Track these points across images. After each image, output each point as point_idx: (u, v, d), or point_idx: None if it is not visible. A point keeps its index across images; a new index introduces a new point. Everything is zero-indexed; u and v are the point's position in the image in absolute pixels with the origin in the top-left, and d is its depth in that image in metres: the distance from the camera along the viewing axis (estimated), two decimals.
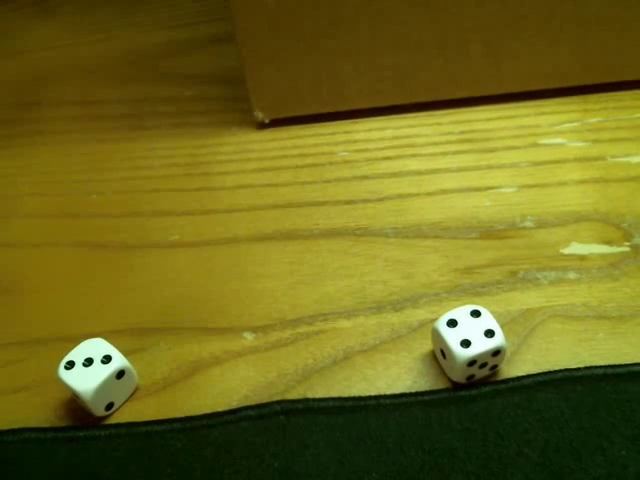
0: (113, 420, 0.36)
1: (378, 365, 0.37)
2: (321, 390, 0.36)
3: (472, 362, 0.33)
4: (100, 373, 0.34)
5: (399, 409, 0.35)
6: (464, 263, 0.41)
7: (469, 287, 0.39)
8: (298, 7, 0.44)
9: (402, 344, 0.38)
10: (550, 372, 0.35)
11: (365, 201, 0.45)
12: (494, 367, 0.35)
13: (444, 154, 0.46)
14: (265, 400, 0.36)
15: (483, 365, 0.34)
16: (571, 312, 0.38)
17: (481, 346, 0.33)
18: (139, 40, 0.59)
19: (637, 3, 0.44)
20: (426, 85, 0.48)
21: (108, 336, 0.37)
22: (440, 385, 0.36)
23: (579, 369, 0.35)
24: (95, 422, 0.36)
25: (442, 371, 0.36)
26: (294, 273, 0.42)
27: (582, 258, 0.40)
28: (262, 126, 0.50)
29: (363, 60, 0.47)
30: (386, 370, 0.37)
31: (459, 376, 0.35)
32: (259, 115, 0.49)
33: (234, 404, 0.36)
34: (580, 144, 0.46)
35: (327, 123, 0.49)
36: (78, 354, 0.35)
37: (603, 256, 0.40)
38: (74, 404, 0.36)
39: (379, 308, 0.39)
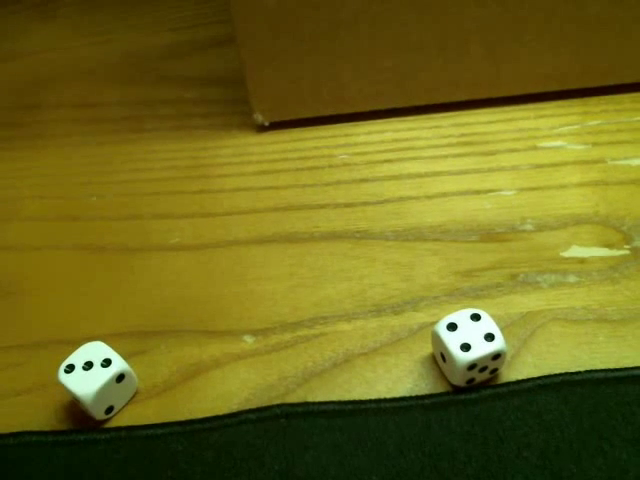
0: (113, 423, 0.36)
1: (378, 368, 0.37)
2: (321, 393, 0.36)
3: (472, 366, 0.33)
4: (100, 377, 0.35)
5: (399, 412, 0.35)
6: (464, 266, 0.41)
7: (469, 290, 0.39)
8: (298, 9, 0.44)
9: (402, 347, 0.38)
10: (550, 375, 0.35)
11: (365, 204, 0.45)
12: (494, 370, 0.35)
13: (444, 157, 0.46)
14: (265, 403, 0.36)
15: (483, 369, 0.34)
16: (571, 315, 0.38)
17: (481, 350, 0.33)
18: (139, 42, 0.59)
19: (636, 5, 0.44)
20: (426, 87, 0.48)
21: (108, 339, 0.37)
22: (440, 388, 0.36)
23: (579, 372, 0.35)
24: (95, 425, 0.36)
25: (442, 374, 0.36)
26: (294, 276, 0.42)
27: (582, 261, 0.40)
28: (262, 129, 0.50)
29: (363, 62, 0.47)
30: (386, 373, 0.37)
31: (459, 380, 0.35)
32: (259, 118, 0.49)
33: (234, 407, 0.36)
34: (580, 147, 0.46)
35: (327, 126, 0.49)
36: (78, 357, 0.35)
37: (603, 259, 0.40)
38: (75, 407, 0.36)
39: (379, 311, 0.39)
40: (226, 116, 0.52)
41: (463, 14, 0.45)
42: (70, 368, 0.35)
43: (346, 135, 0.49)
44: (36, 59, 0.60)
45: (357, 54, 0.46)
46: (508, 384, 0.35)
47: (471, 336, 0.34)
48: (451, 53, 0.46)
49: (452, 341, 0.34)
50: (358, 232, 0.43)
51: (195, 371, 0.38)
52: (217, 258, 0.43)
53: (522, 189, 0.44)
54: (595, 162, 0.45)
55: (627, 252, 0.40)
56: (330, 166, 0.47)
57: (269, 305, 0.40)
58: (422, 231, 0.43)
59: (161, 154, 0.50)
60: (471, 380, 0.35)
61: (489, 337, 0.34)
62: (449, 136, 0.48)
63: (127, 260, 0.44)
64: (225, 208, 0.46)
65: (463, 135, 0.48)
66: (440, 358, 0.36)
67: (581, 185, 0.43)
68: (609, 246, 0.40)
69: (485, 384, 0.35)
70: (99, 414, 0.35)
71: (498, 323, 0.35)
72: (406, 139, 0.48)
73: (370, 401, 0.35)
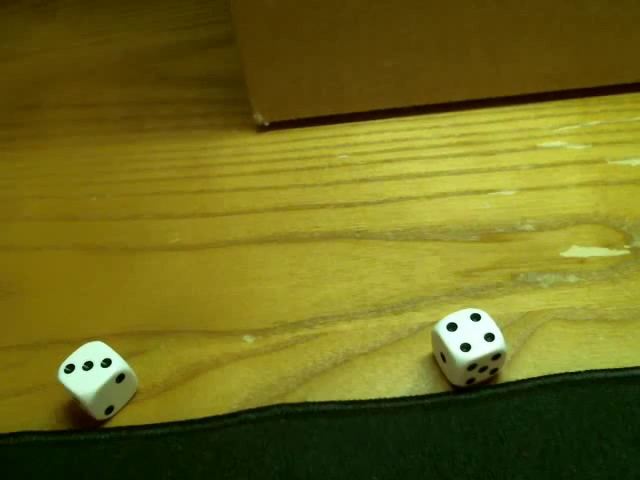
0: (113, 423, 0.36)
1: (378, 368, 0.37)
2: (321, 393, 0.36)
3: (472, 366, 0.34)
4: (100, 377, 0.35)
5: (399, 412, 0.35)
6: (464, 266, 0.41)
7: (469, 290, 0.39)
8: (298, 9, 0.44)
9: (402, 347, 0.38)
10: (550, 375, 0.35)
11: (365, 204, 0.45)
12: (494, 370, 0.35)
13: (444, 157, 0.46)
14: (265, 403, 0.36)
15: (483, 369, 0.34)
16: (571, 315, 0.38)
17: (481, 350, 0.33)
18: (139, 42, 0.59)
19: (636, 5, 0.44)
20: (426, 87, 0.48)
21: (108, 339, 0.37)
22: (440, 388, 0.36)
23: (579, 372, 0.35)
24: (95, 425, 0.36)
25: (442, 374, 0.36)
26: (294, 276, 0.42)
27: (582, 261, 0.40)
28: (262, 129, 0.50)
29: (363, 62, 0.47)
30: (386, 373, 0.37)
31: (459, 380, 0.35)
32: (259, 118, 0.49)
33: (234, 407, 0.36)
34: (580, 147, 0.46)
35: (327, 126, 0.49)
36: (78, 357, 0.35)
37: (603, 259, 0.40)
38: (75, 407, 0.36)
39: (379, 311, 0.39)
40: (226, 116, 0.52)
41: (463, 14, 0.45)
42: (70, 368, 0.35)
43: (346, 135, 0.49)
44: (36, 59, 0.60)
45: (357, 54, 0.46)
46: (508, 384, 0.35)
47: (471, 336, 0.34)
48: (451, 53, 0.46)
49: (452, 341, 0.34)
50: (358, 232, 0.43)
51: (195, 371, 0.38)
52: (217, 258, 0.43)
53: (522, 189, 0.44)
54: (595, 162, 0.45)
55: (627, 252, 0.40)
56: (330, 166, 0.47)
57: (269, 305, 0.40)
58: (422, 231, 0.43)
59: (161, 154, 0.50)
60: (471, 380, 0.35)
61: (489, 337, 0.34)
62: (449, 136, 0.48)
63: (127, 260, 0.44)
64: (225, 208, 0.46)
65: (463, 135, 0.48)
66: (440, 358, 0.36)
67: (581, 185, 0.44)
68: (609, 246, 0.40)
69: (485, 384, 0.35)
70: (99, 414, 0.35)
71: (498, 323, 0.35)
72: (406, 139, 0.48)
73: (370, 401, 0.35)
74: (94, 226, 0.46)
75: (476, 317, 0.34)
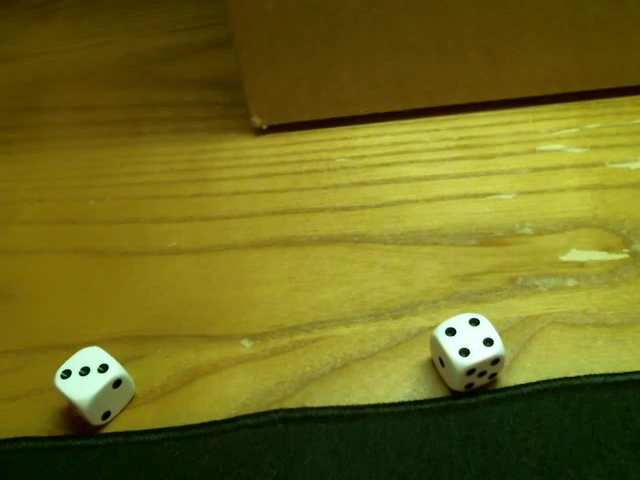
0: (110, 429, 0.36)
1: (376, 373, 0.37)
2: (319, 398, 0.36)
3: (471, 371, 0.33)
4: (96, 382, 0.34)
5: (398, 417, 0.34)
6: (463, 270, 0.40)
7: (468, 294, 0.39)
8: (296, 12, 0.44)
9: (401, 351, 0.37)
10: (549, 380, 0.35)
11: (363, 207, 0.45)
12: (493, 375, 0.35)
13: (442, 160, 0.46)
14: (263, 408, 0.36)
15: (482, 373, 0.34)
16: (570, 319, 0.37)
17: (480, 355, 0.33)
18: (138, 45, 0.59)
19: (636, 9, 0.44)
20: (425, 90, 0.48)
21: (106, 343, 0.37)
22: (439, 393, 0.36)
23: (578, 377, 0.35)
24: (92, 431, 0.36)
25: (441, 379, 0.36)
26: (292, 280, 0.41)
27: (581, 265, 0.40)
28: (260, 132, 0.50)
29: (361, 65, 0.47)
30: (385, 378, 0.37)
31: (458, 384, 0.34)
32: (257, 121, 0.49)
33: (232, 412, 0.36)
34: (579, 150, 0.45)
35: (325, 129, 0.49)
36: (74, 363, 0.35)
37: (602, 263, 0.40)
38: (72, 412, 0.36)
39: (377, 315, 0.39)
40: (224, 119, 0.52)
41: (462, 17, 0.45)
42: (66, 373, 0.35)
43: (344, 138, 0.49)
44: (35, 61, 0.60)
45: (355, 57, 0.46)
46: (507, 389, 0.35)
47: (470, 341, 0.34)
48: (450, 56, 0.46)
49: (451, 346, 0.34)
50: (356, 236, 0.43)
51: (193, 376, 0.38)
52: (215, 262, 0.43)
53: (521, 192, 0.44)
54: (594, 165, 0.45)
55: (626, 256, 0.40)
56: (328, 169, 0.47)
57: (267, 309, 0.40)
58: (421, 235, 0.42)
59: (159, 157, 0.50)
60: (470, 385, 0.35)
61: (488, 342, 0.34)
62: (448, 139, 0.48)
63: (125, 264, 0.44)
64: (223, 212, 0.46)
65: (462, 138, 0.47)
66: (439, 363, 0.36)
67: (580, 188, 0.43)
68: (608, 250, 0.40)
69: (484, 389, 0.35)
70: (96, 420, 0.35)
71: (497, 327, 0.34)
72: (405, 142, 0.48)
73: (368, 406, 0.35)
74: (92, 230, 0.46)
75: (475, 322, 0.34)
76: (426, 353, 0.37)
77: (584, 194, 0.43)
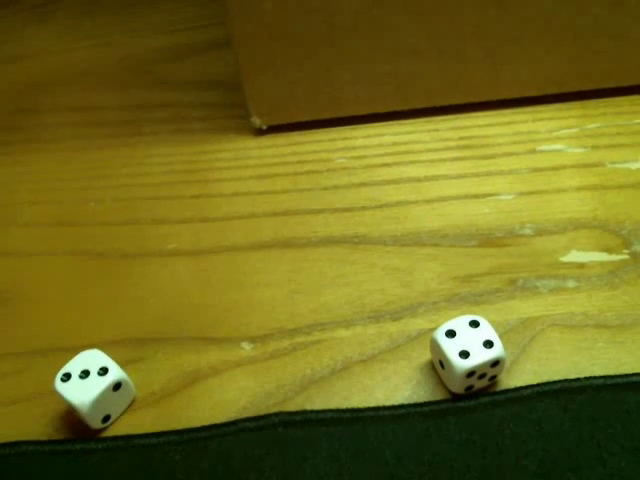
0: (110, 432, 0.36)
1: (377, 375, 0.37)
2: (319, 400, 0.36)
3: (471, 373, 0.33)
4: (96, 385, 0.34)
5: (398, 420, 0.34)
6: (463, 271, 0.40)
7: (468, 296, 0.39)
8: (295, 13, 0.44)
9: (401, 354, 0.37)
10: (549, 382, 0.35)
11: (363, 208, 0.44)
12: (493, 377, 0.35)
13: (442, 161, 0.46)
14: (263, 411, 0.36)
15: (482, 376, 0.34)
16: (570, 321, 0.37)
17: (480, 357, 0.33)
18: (137, 46, 0.59)
19: (635, 9, 0.44)
20: (424, 91, 0.48)
21: (105, 346, 0.37)
22: (439, 395, 0.36)
23: (578, 379, 0.35)
24: (92, 434, 0.36)
25: (441, 381, 0.36)
26: (292, 282, 0.41)
27: (581, 266, 0.40)
28: (260, 132, 0.50)
29: (361, 66, 0.47)
30: (385, 380, 0.36)
31: (458, 387, 0.34)
32: (257, 121, 0.49)
33: (232, 415, 0.36)
34: (579, 150, 0.45)
35: (325, 129, 0.49)
36: (74, 366, 0.35)
37: (602, 264, 0.40)
38: (72, 416, 0.36)
39: (377, 317, 0.39)
40: (224, 120, 0.51)
41: (461, 17, 0.44)
42: (66, 377, 0.35)
43: (344, 139, 0.49)
44: (33, 62, 0.60)
45: (355, 58, 0.46)
46: (507, 391, 0.35)
47: (470, 343, 0.34)
48: (449, 56, 0.46)
49: (451, 348, 0.34)
50: (356, 237, 0.43)
51: (193, 379, 0.38)
52: (215, 264, 0.43)
53: (521, 193, 0.44)
54: (594, 165, 0.44)
55: (626, 257, 0.40)
56: (328, 170, 0.47)
57: (267, 311, 0.40)
58: (421, 236, 0.42)
59: (159, 158, 0.50)
60: (470, 387, 0.35)
61: (488, 344, 0.34)
62: (447, 139, 0.48)
63: (125, 266, 0.44)
64: (223, 213, 0.46)
65: (462, 138, 0.47)
66: (439, 365, 0.35)
67: (580, 189, 0.43)
68: (608, 251, 0.40)
69: (484, 391, 0.35)
70: (96, 423, 0.35)
71: (497, 329, 0.34)
72: (404, 143, 0.48)
73: (368, 409, 0.35)
74: (92, 231, 0.46)
75: (475, 324, 0.34)
76: (426, 355, 0.37)
77: (584, 194, 0.43)
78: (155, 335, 0.40)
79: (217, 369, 0.38)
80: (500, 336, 0.34)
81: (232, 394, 0.37)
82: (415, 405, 0.35)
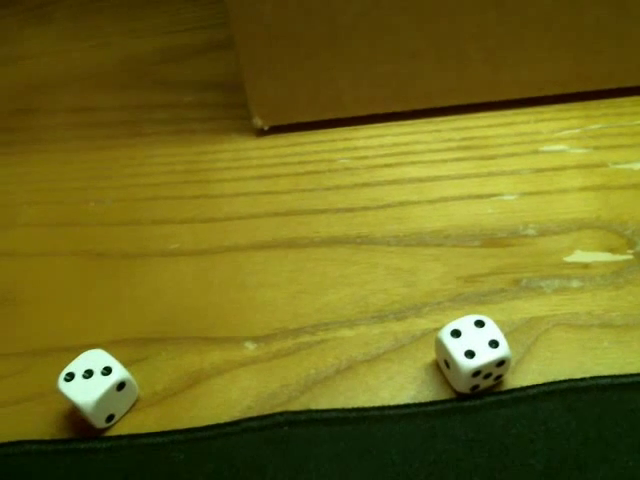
0: (114, 432, 0.36)
1: (381, 375, 0.37)
2: (324, 400, 0.36)
3: (476, 373, 0.33)
4: (100, 385, 0.34)
5: (403, 420, 0.34)
6: (466, 271, 0.40)
7: (472, 296, 0.39)
8: (296, 15, 0.44)
9: (405, 353, 0.37)
10: (555, 382, 0.35)
11: (366, 209, 0.44)
12: (498, 377, 0.35)
13: (444, 161, 0.46)
14: (267, 411, 0.36)
15: (487, 375, 0.34)
16: (575, 321, 0.37)
17: (485, 357, 0.33)
18: (137, 46, 0.59)
19: (636, 10, 0.44)
20: (425, 92, 0.48)
21: (108, 346, 0.37)
22: (444, 395, 0.35)
23: (584, 379, 0.35)
24: (96, 434, 0.36)
25: (446, 381, 0.36)
26: (295, 282, 0.41)
27: (585, 266, 0.40)
28: (261, 133, 0.50)
29: (361, 68, 0.47)
30: (389, 380, 0.36)
31: (463, 386, 0.34)
32: (258, 122, 0.49)
33: (236, 415, 0.36)
34: (581, 151, 0.45)
35: (327, 130, 0.49)
36: (78, 366, 0.35)
37: (606, 264, 0.40)
38: (75, 416, 0.36)
39: (381, 317, 0.39)
40: (225, 120, 0.51)
41: (462, 18, 0.44)
42: (70, 376, 0.34)
43: (346, 139, 0.49)
44: (33, 63, 0.60)
45: (355, 59, 0.46)
46: (512, 391, 0.35)
47: (475, 343, 0.34)
48: (451, 57, 0.46)
49: (456, 348, 0.34)
50: (359, 237, 0.43)
51: (196, 379, 0.38)
52: (217, 264, 0.43)
53: (524, 193, 0.44)
54: (597, 166, 0.44)
55: (630, 257, 0.40)
56: (330, 171, 0.47)
57: (270, 311, 0.40)
58: (423, 236, 0.42)
59: (159, 159, 0.50)
60: (475, 387, 0.34)
61: (493, 344, 0.33)
62: (449, 140, 0.48)
63: (126, 266, 0.43)
64: (224, 213, 0.45)
65: (463, 139, 0.47)
66: (444, 365, 0.35)
67: (583, 189, 0.43)
68: (612, 251, 0.40)
69: (489, 391, 0.35)
70: (99, 423, 0.35)
71: (501, 329, 0.34)
72: (406, 143, 0.48)
73: (373, 408, 0.35)
74: (93, 232, 0.46)
75: (480, 323, 0.34)
76: (431, 355, 0.37)
77: (587, 195, 0.43)
78: (157, 335, 0.40)
79: (220, 369, 0.38)
80: (505, 336, 0.34)
81: (236, 394, 0.37)
82: (420, 405, 0.35)
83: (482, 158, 0.46)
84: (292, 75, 0.47)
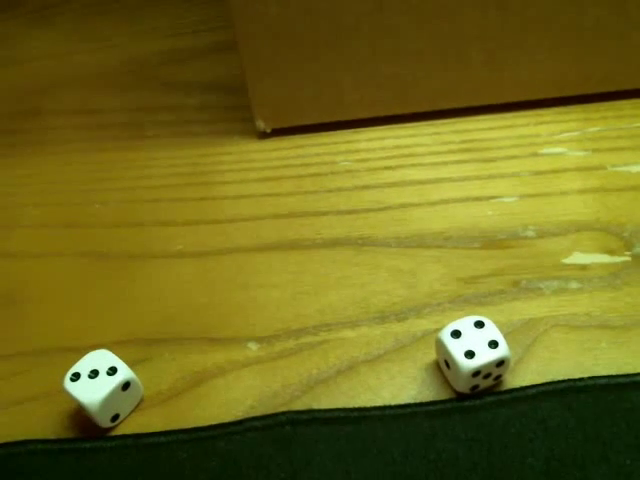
0: (119, 431, 0.36)
1: (382, 375, 0.37)
2: (326, 400, 0.36)
3: (476, 373, 0.34)
4: (106, 385, 0.35)
5: (404, 419, 0.35)
6: (466, 273, 0.41)
7: (472, 297, 0.40)
8: (299, 17, 0.44)
9: (406, 354, 0.38)
10: (554, 382, 0.35)
11: (367, 211, 0.45)
12: (498, 377, 0.35)
13: (445, 164, 0.47)
14: (270, 411, 0.36)
15: (487, 375, 0.34)
16: (573, 322, 0.38)
17: (485, 357, 0.33)
18: (140, 48, 0.59)
19: (636, 12, 0.45)
20: (426, 95, 0.48)
21: (112, 347, 0.37)
22: (444, 395, 0.36)
23: (582, 379, 0.35)
24: (101, 433, 0.36)
25: (446, 381, 0.36)
26: (297, 283, 0.42)
27: (584, 268, 0.40)
28: (264, 135, 0.50)
29: (364, 70, 0.47)
30: (390, 380, 0.37)
31: (463, 386, 0.35)
32: (261, 124, 0.49)
33: (239, 414, 0.36)
34: (580, 153, 0.46)
35: (329, 132, 0.50)
36: (84, 366, 0.35)
37: (604, 266, 0.40)
38: (80, 415, 0.37)
39: (383, 318, 0.39)
40: (228, 122, 0.52)
41: (463, 21, 0.45)
42: (76, 376, 0.35)
43: (347, 142, 0.49)
44: (36, 65, 0.60)
45: (358, 61, 0.46)
46: (512, 391, 0.35)
47: (475, 343, 0.34)
48: (451, 60, 0.47)
49: (456, 348, 0.34)
50: (360, 239, 0.43)
51: (199, 379, 0.38)
52: (220, 266, 0.43)
53: (523, 196, 0.44)
54: (596, 168, 0.45)
55: (628, 259, 0.40)
56: (332, 173, 0.47)
57: (273, 312, 0.40)
58: (424, 238, 0.43)
59: (162, 161, 0.50)
60: (475, 387, 0.35)
61: (493, 344, 0.34)
62: (449, 142, 0.48)
63: (130, 267, 0.44)
64: (227, 215, 0.46)
65: (463, 142, 0.48)
66: (444, 365, 0.36)
67: (582, 192, 0.44)
68: (610, 252, 0.41)
69: (489, 391, 0.35)
70: (105, 422, 0.36)
71: (501, 330, 0.35)
72: (407, 146, 0.48)
73: (375, 408, 0.35)
74: (96, 233, 0.46)
75: (480, 324, 0.35)
76: (431, 355, 0.37)
77: (586, 197, 0.43)
78: (161, 336, 0.40)
79: (224, 369, 0.38)
80: (504, 336, 0.34)
81: (239, 394, 0.37)
82: (421, 404, 0.35)
83: (482, 160, 0.46)
84: (295, 77, 0.47)
